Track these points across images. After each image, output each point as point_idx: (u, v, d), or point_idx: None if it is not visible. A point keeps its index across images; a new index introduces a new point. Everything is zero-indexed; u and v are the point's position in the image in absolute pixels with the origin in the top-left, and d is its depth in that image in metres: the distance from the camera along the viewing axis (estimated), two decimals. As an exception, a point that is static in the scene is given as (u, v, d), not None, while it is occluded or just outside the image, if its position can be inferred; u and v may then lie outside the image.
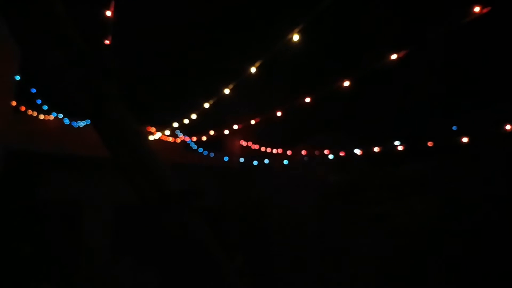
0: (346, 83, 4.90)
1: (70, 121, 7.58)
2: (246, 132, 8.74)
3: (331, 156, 6.51)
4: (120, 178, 8.30)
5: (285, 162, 7.54)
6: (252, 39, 6.11)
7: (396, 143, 6.36)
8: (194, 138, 7.99)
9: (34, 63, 4.60)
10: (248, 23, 6.59)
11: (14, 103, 6.65)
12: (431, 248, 6.02)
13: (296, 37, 3.87)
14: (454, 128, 6.37)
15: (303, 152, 7.41)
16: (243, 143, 8.97)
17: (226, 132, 6.97)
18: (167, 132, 7.88)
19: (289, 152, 7.73)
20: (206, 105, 6.04)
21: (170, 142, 8.62)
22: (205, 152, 8.66)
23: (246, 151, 8.98)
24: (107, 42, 4.34)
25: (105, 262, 8.38)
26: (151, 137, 8.37)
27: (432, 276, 5.68)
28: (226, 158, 8.88)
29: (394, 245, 5.90)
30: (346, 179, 6.69)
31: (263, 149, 8.39)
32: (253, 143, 8.60)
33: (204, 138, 7.54)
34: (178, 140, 8.41)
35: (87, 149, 8.11)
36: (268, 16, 6.24)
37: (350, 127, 7.53)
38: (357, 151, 6.34)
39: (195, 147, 8.52)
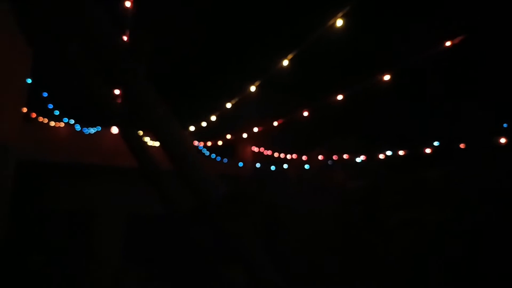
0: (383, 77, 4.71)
1: (81, 127, 7.44)
2: (258, 138, 8.56)
3: (358, 159, 6.29)
4: (131, 187, 8.18)
5: (307, 166, 7.31)
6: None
7: (412, 146, 6.17)
8: (209, 143, 7.83)
9: (45, 65, 4.47)
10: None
11: (25, 110, 6.53)
12: (451, 253, 5.82)
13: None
14: (504, 125, 6.09)
15: (320, 157, 7.20)
16: (256, 149, 8.77)
17: (243, 135, 6.76)
18: None
19: (304, 158, 7.52)
20: (212, 117, 5.89)
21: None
22: (218, 158, 8.49)
23: (259, 157, 8.79)
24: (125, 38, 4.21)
25: (115, 273, 8.20)
26: (150, 142, 8.23)
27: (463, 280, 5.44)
28: (240, 164, 8.69)
29: (418, 251, 5.66)
30: (367, 185, 6.45)
31: (276, 155, 8.19)
32: (265, 149, 8.40)
33: (219, 143, 7.36)
34: None
35: (99, 157, 7.99)
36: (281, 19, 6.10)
37: (366, 131, 7.34)
38: (381, 156, 6.13)
39: (207, 153, 8.34)
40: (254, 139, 8.73)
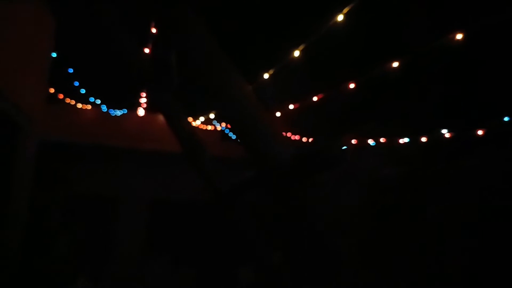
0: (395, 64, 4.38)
1: (108, 108, 7.35)
2: (284, 123, 8.26)
3: (407, 140, 5.80)
4: (156, 172, 8.05)
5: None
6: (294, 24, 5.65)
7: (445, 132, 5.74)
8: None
9: (70, 39, 4.31)
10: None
11: (52, 90, 6.48)
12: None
13: (340, 17, 3.73)
14: None
15: (354, 142, 6.81)
16: (283, 134, 8.48)
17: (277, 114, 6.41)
18: (200, 121, 7.54)
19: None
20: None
21: (205, 132, 8.30)
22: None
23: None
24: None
25: (139, 259, 8.18)
26: None
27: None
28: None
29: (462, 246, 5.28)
30: (401, 173, 6.04)
31: (304, 139, 7.86)
32: (292, 134, 8.08)
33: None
34: (212, 128, 8.06)
35: (123, 140, 7.92)
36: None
37: (399, 115, 6.90)
38: (418, 140, 5.74)
39: (234, 136, 8.12)
40: (282, 123, 8.45)
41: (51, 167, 7.05)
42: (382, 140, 6.25)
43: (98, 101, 6.95)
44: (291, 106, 6.06)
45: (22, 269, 4.34)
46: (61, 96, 6.76)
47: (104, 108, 7.26)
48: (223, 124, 7.89)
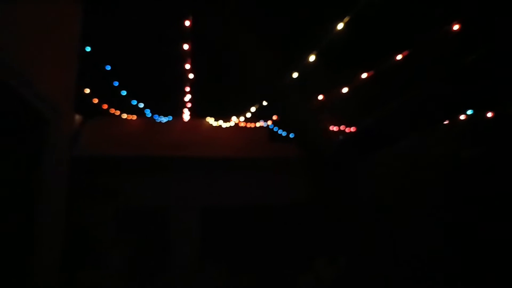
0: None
1: (152, 113, 7.15)
2: (335, 114, 7.67)
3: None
4: (204, 179, 7.71)
5: None
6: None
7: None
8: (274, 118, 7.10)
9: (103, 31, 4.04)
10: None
11: (95, 100, 6.34)
12: None
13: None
14: None
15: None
16: (335, 128, 7.90)
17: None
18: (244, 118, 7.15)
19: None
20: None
21: (251, 134, 7.93)
22: (291, 135, 7.78)
23: (339, 136, 7.90)
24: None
25: (194, 269, 7.91)
26: (224, 125, 7.77)
27: None
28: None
29: None
30: (485, 154, 5.22)
31: (348, 130, 7.23)
32: (347, 126, 7.48)
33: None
34: (254, 125, 7.66)
35: (168, 148, 7.71)
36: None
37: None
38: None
39: (284, 133, 7.69)
40: (331, 116, 7.90)
41: (100, 182, 6.98)
42: (462, 117, 5.41)
43: (143, 107, 6.69)
44: (344, 90, 5.48)
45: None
46: (105, 106, 6.63)
47: (149, 113, 7.03)
48: (270, 122, 7.46)
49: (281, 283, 7.25)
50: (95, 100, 6.22)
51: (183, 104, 6.69)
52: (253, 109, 6.56)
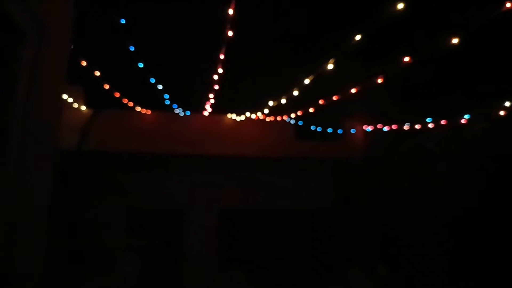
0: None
1: (170, 103, 6.54)
2: (368, 112, 7.00)
3: None
4: (222, 178, 7.25)
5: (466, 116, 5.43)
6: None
7: None
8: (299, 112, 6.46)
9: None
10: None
11: (117, 94, 5.84)
12: None
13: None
14: None
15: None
16: (368, 127, 7.20)
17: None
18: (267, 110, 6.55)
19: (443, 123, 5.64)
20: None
21: (276, 131, 7.27)
22: (319, 129, 7.13)
23: (372, 135, 7.20)
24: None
25: (212, 275, 7.31)
26: (238, 118, 7.15)
27: None
28: (353, 130, 7.23)
29: None
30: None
31: (394, 126, 6.48)
32: (383, 124, 6.75)
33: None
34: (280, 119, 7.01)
35: (184, 145, 7.11)
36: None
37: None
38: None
39: (313, 127, 7.03)
40: (362, 115, 7.20)
41: (111, 179, 6.48)
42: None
43: (163, 97, 6.12)
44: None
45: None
46: (117, 94, 6.06)
47: (168, 103, 6.45)
48: (294, 116, 6.73)
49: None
50: (106, 86, 5.64)
51: (206, 98, 6.13)
52: (283, 100, 5.90)
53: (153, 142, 6.98)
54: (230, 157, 7.23)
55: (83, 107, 6.66)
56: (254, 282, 7.26)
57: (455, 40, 3.77)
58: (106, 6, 4.27)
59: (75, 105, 6.54)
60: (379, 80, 4.75)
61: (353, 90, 5.25)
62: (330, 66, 4.59)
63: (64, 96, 6.28)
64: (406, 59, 4.16)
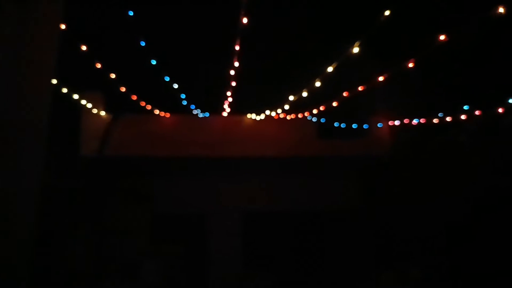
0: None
1: (188, 104, 6.43)
2: (393, 107, 6.70)
3: None
4: (244, 181, 7.11)
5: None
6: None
7: None
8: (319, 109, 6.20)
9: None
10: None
11: (134, 97, 5.78)
12: None
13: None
14: None
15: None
16: (395, 123, 6.86)
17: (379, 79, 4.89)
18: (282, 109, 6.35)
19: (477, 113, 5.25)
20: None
21: (297, 130, 7.04)
22: (343, 125, 6.84)
23: (399, 132, 6.87)
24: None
25: (237, 280, 7.15)
26: (258, 118, 6.95)
27: None
28: (380, 125, 6.92)
29: None
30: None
31: (422, 120, 6.13)
32: (410, 120, 6.41)
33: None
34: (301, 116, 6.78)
35: (204, 148, 6.98)
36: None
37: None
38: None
39: (336, 124, 6.76)
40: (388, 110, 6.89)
41: (132, 185, 6.41)
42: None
43: (182, 99, 6.01)
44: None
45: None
46: (143, 103, 6.03)
47: (186, 104, 6.33)
48: (316, 111, 6.45)
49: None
50: (122, 89, 5.57)
51: (224, 96, 5.98)
52: (304, 93, 5.64)
53: (173, 145, 6.88)
54: (251, 158, 7.05)
55: (103, 112, 6.63)
56: (280, 285, 7.07)
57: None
58: (121, 6, 4.19)
59: (94, 111, 6.50)
60: (410, 65, 4.34)
61: (381, 78, 4.91)
62: (356, 50, 4.27)
63: (83, 102, 6.27)
64: (442, 37, 3.72)
